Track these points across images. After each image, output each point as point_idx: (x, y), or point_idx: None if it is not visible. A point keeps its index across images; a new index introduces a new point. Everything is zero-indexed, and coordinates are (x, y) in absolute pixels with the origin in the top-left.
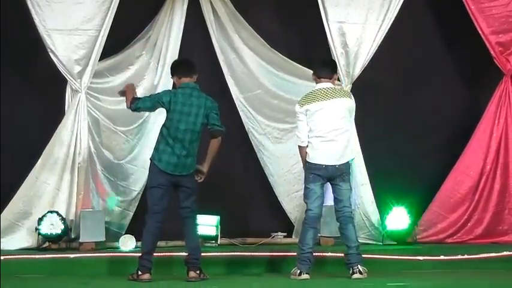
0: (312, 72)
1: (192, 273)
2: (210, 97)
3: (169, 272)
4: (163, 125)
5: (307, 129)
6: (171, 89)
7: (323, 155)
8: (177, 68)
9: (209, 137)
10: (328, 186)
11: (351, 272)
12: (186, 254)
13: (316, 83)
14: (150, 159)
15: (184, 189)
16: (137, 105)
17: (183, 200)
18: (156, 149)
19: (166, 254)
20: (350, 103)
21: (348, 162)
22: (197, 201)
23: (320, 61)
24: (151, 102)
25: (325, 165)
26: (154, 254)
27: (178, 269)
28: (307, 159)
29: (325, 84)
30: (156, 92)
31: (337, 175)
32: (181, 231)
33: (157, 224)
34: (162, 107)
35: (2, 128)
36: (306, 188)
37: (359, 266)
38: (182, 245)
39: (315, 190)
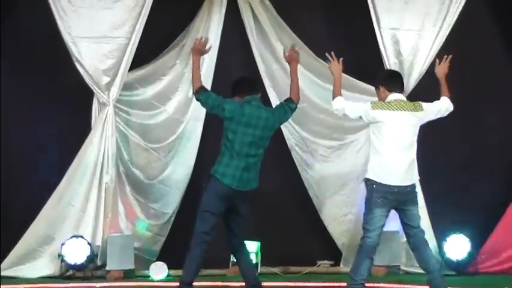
0: (378, 84)
1: None
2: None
3: None
4: (226, 138)
5: (354, 111)
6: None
7: (393, 173)
8: (242, 86)
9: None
10: None
11: None
12: (250, 285)
13: (382, 97)
14: (211, 174)
15: (237, 218)
16: (200, 96)
17: (236, 229)
18: (219, 162)
19: (201, 283)
20: (422, 114)
21: (415, 183)
22: None
23: (389, 73)
24: (213, 103)
25: (397, 188)
26: None
27: None
28: (374, 178)
29: (399, 96)
30: (220, 95)
31: (408, 198)
32: (219, 259)
33: (203, 253)
34: (220, 113)
35: (23, 143)
36: (369, 213)
37: None
38: (218, 273)
39: (381, 218)
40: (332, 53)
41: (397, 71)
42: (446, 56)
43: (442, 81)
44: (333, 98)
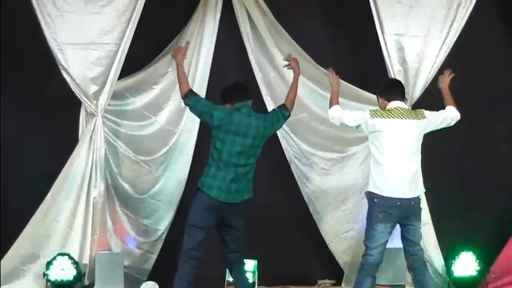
0: (377, 95)
1: None
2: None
3: None
4: (213, 147)
5: (353, 120)
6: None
7: (395, 184)
8: (232, 93)
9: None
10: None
11: None
12: None
13: (382, 107)
14: (198, 187)
15: (231, 231)
16: (189, 101)
17: (231, 243)
18: (205, 174)
19: None
20: (424, 122)
21: (419, 196)
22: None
23: (389, 82)
24: (202, 109)
25: (399, 201)
26: None
27: None
28: (375, 191)
29: (399, 103)
30: (211, 101)
31: (411, 213)
32: (213, 279)
33: (193, 270)
34: (208, 121)
35: (5, 156)
36: (371, 229)
37: None
38: None
39: (383, 234)
40: (331, 68)
41: (395, 79)
42: (449, 72)
43: (445, 94)
44: (330, 107)
